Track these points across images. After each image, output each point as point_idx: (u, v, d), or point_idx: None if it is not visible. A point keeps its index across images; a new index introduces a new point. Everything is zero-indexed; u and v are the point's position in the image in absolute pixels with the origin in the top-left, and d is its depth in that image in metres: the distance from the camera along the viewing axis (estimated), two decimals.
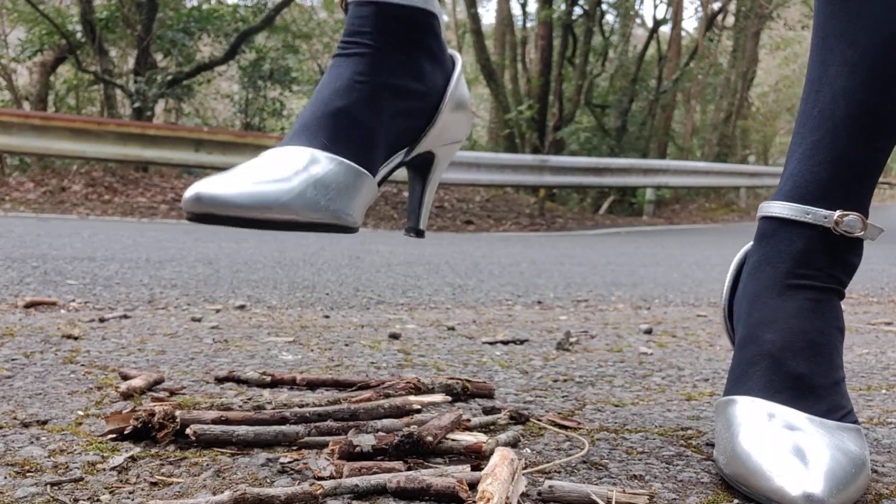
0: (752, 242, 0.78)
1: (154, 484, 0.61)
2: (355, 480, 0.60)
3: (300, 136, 0.72)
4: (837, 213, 0.70)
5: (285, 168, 0.68)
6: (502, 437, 0.75)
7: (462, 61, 0.86)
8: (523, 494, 0.61)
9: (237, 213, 0.64)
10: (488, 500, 0.55)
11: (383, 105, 0.75)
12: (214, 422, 0.74)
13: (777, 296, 0.72)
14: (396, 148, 0.78)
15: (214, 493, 0.58)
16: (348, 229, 0.71)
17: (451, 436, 0.76)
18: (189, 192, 0.64)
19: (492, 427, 0.82)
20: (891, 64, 0.69)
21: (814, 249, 0.71)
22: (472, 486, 0.60)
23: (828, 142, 0.72)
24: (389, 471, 0.63)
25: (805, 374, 0.68)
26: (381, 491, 0.60)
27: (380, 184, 0.77)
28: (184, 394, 0.92)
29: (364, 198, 0.73)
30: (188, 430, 0.73)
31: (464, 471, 0.63)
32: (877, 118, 0.71)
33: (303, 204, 0.67)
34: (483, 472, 0.60)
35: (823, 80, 0.73)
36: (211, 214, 0.64)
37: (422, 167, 0.84)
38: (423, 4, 0.77)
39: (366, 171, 0.72)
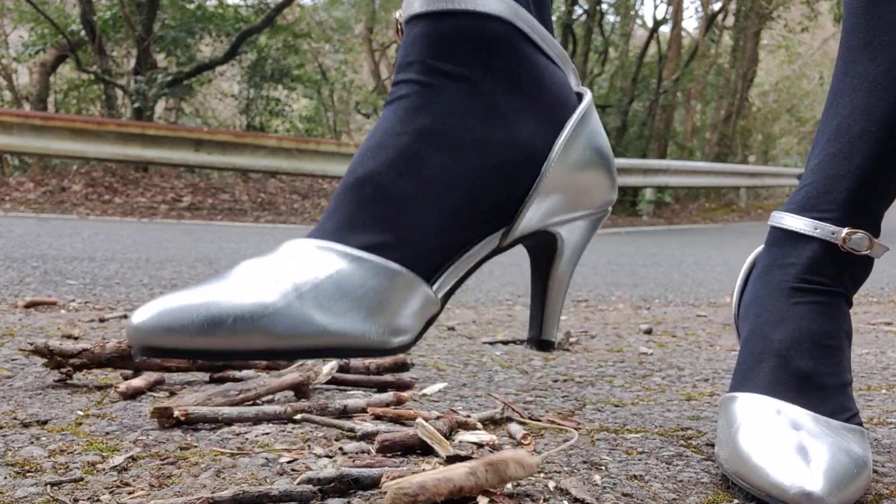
0: (762, 246, 0.78)
1: (154, 484, 0.61)
2: (350, 473, 0.60)
3: (320, 223, 0.52)
4: (845, 230, 0.71)
5: (268, 276, 0.48)
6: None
7: (591, 97, 0.59)
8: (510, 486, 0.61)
9: (188, 343, 0.46)
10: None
11: (431, 163, 0.51)
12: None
13: (786, 298, 0.72)
14: (475, 230, 0.53)
15: (214, 493, 0.58)
16: (369, 351, 0.50)
17: (455, 435, 0.76)
18: (132, 318, 0.47)
19: (493, 421, 0.82)
20: None
21: (822, 258, 0.72)
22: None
23: (843, 156, 0.72)
24: (381, 465, 0.63)
25: (812, 373, 0.68)
26: (377, 485, 0.60)
27: (453, 289, 0.53)
28: (183, 394, 0.92)
29: (399, 307, 0.50)
30: (177, 412, 0.74)
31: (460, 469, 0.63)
32: (894, 136, 0.70)
33: (285, 324, 0.46)
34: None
35: (844, 92, 0.73)
36: (154, 347, 0.46)
37: (541, 253, 0.60)
38: (508, 14, 0.52)
39: (399, 268, 0.49)
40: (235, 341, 0.46)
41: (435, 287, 0.52)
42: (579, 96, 0.59)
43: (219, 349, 0.46)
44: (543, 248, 0.59)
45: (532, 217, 0.55)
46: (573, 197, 0.57)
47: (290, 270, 0.48)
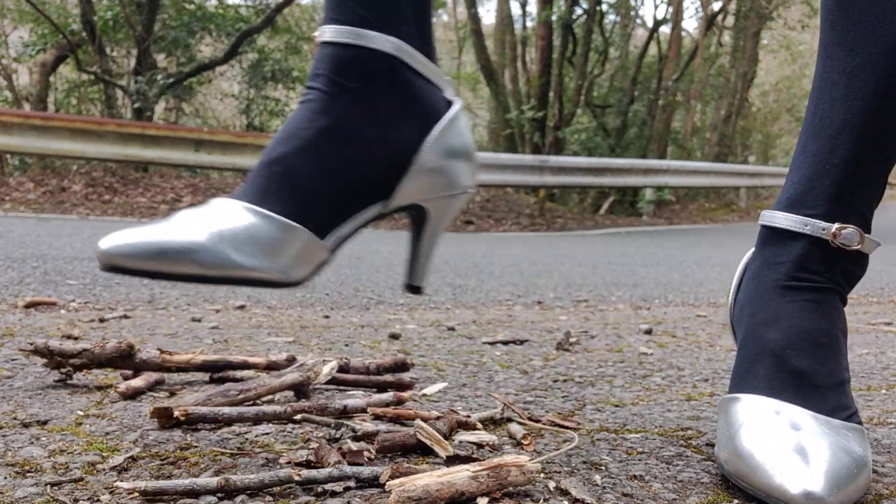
0: (754, 248, 0.78)
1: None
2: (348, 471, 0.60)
3: (240, 188, 0.69)
4: (835, 226, 0.71)
5: (201, 222, 0.65)
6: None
7: (461, 105, 0.75)
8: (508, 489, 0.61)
9: (140, 265, 0.62)
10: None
11: (327, 151, 0.68)
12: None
13: (778, 297, 0.72)
14: (360, 201, 0.70)
15: (214, 493, 0.58)
16: (273, 284, 0.66)
17: (455, 435, 0.76)
18: (99, 243, 0.63)
19: (493, 422, 0.82)
20: (890, 73, 0.69)
21: (813, 256, 0.72)
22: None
23: (826, 151, 0.72)
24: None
25: (808, 372, 0.68)
26: (377, 485, 0.60)
27: (342, 241, 0.71)
28: (183, 394, 0.92)
29: (297, 253, 0.67)
30: (177, 412, 0.74)
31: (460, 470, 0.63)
32: (875, 128, 0.71)
33: (210, 258, 0.63)
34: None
35: (824, 88, 0.73)
36: (116, 266, 0.63)
37: (416, 220, 0.76)
38: (391, 49, 0.69)
39: (296, 225, 0.66)
40: (173, 267, 0.62)
41: (328, 241, 0.69)
42: (450, 103, 0.74)
43: (161, 271, 0.63)
44: (417, 217, 0.76)
45: (405, 194, 0.72)
46: (439, 180, 0.74)
47: (217, 220, 0.65)
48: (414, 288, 0.79)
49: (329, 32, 0.70)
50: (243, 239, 0.65)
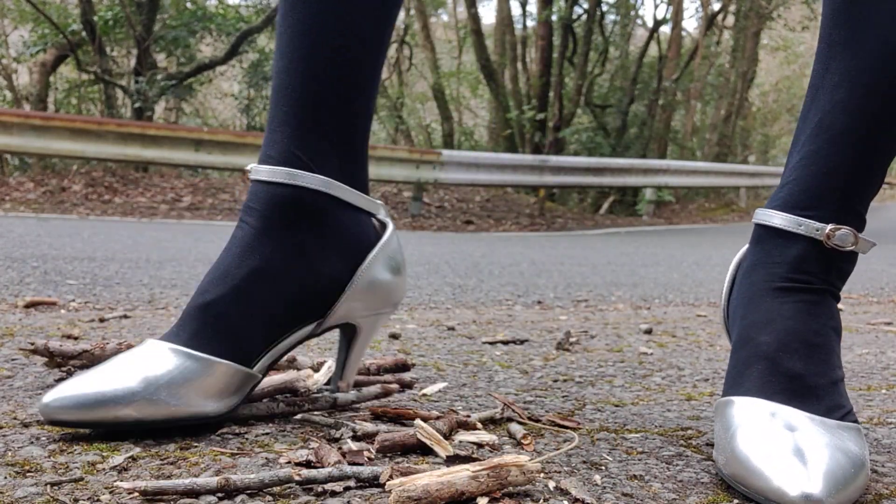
0: (747, 245, 0.78)
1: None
2: (348, 470, 0.60)
3: (174, 328, 0.75)
4: (829, 226, 0.70)
5: (135, 369, 0.71)
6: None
7: (392, 228, 0.81)
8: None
9: (80, 417, 0.68)
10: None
11: (257, 295, 0.74)
12: None
13: (771, 298, 0.72)
14: (292, 328, 0.77)
15: (214, 493, 0.59)
16: (204, 418, 0.73)
17: (455, 435, 0.76)
18: (43, 397, 0.69)
19: (493, 421, 0.82)
20: (893, 78, 0.69)
21: (807, 257, 0.71)
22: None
23: (824, 153, 0.72)
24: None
25: (802, 373, 0.68)
26: (377, 485, 0.60)
27: (275, 361, 0.77)
28: None
29: (226, 386, 0.73)
30: None
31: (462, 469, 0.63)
32: (875, 132, 0.70)
33: (147, 406, 0.69)
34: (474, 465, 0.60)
35: (824, 88, 0.72)
36: (56, 420, 0.69)
37: (346, 334, 0.83)
38: (321, 186, 0.75)
39: (226, 362, 0.72)
40: (112, 416, 0.69)
41: (255, 367, 0.75)
42: (384, 226, 0.81)
43: (101, 421, 0.69)
44: (347, 331, 0.83)
45: (336, 317, 0.79)
46: (370, 302, 0.80)
47: (151, 366, 0.71)
48: (339, 388, 0.85)
49: (264, 172, 0.75)
50: (178, 382, 0.71)
